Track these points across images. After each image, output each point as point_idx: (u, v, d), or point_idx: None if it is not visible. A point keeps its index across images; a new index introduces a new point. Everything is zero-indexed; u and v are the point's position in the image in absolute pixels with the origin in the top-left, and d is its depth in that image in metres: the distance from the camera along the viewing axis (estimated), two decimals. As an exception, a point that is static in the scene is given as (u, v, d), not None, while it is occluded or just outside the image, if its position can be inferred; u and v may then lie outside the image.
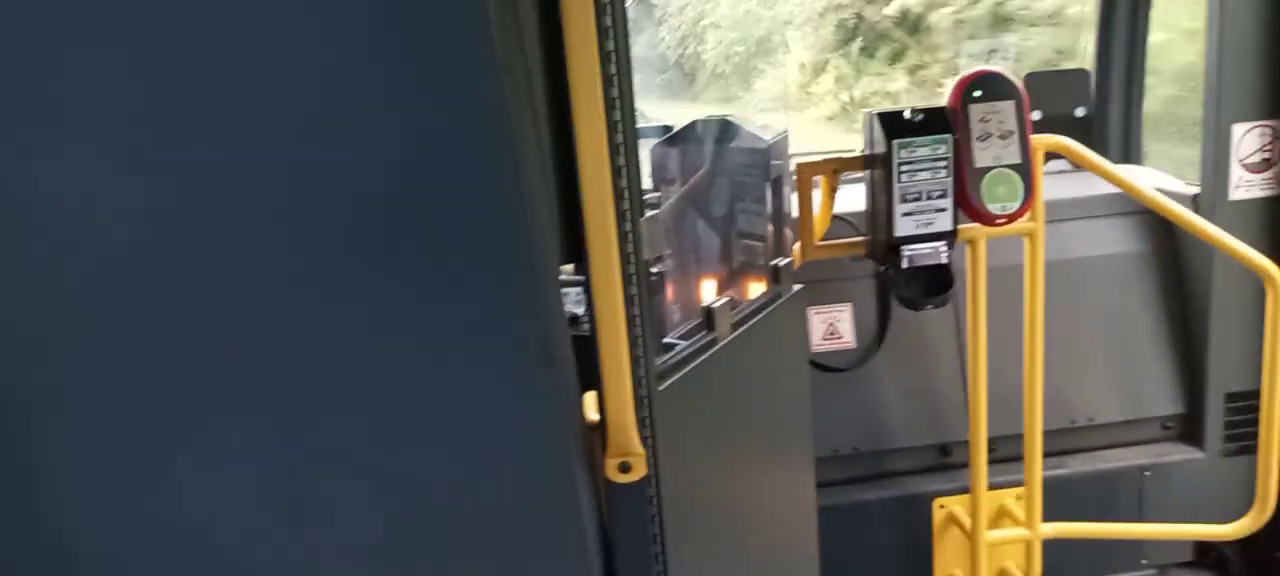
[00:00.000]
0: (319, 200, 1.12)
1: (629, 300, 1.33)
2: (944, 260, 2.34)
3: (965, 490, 2.72)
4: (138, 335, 1.15)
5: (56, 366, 1.16)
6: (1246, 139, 2.77)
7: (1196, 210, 2.78)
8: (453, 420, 1.24)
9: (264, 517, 1.25)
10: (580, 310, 1.40)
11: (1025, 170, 2.33)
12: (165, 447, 1.21)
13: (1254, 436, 2.63)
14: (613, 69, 1.26)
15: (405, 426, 1.24)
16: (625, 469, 1.41)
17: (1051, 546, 2.72)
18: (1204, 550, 3.11)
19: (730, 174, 2.11)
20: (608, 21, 1.24)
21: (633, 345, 1.36)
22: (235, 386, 1.19)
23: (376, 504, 1.27)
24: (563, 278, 1.40)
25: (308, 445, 1.23)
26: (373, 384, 1.21)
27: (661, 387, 1.47)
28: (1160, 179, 3.12)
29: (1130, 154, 3.41)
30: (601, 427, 1.39)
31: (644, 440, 1.41)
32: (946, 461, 3.01)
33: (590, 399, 1.41)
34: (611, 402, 1.37)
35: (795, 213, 2.42)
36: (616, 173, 1.27)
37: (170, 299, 1.15)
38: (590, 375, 1.37)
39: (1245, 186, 2.81)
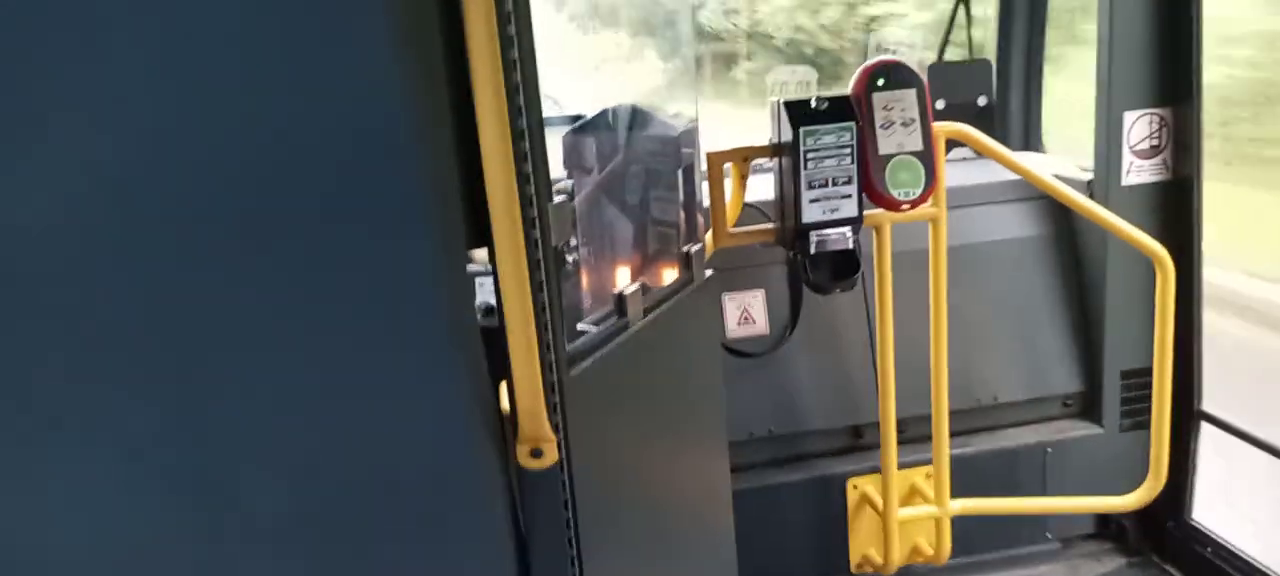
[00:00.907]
0: (220, 178, 1.11)
1: (536, 286, 1.33)
2: (850, 245, 2.39)
3: (877, 470, 2.78)
4: (35, 316, 1.12)
5: None
6: (1136, 126, 2.89)
7: (1091, 195, 2.89)
8: (359, 403, 1.23)
9: (166, 500, 1.22)
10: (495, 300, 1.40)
11: (927, 157, 2.40)
12: (61, 430, 1.17)
13: (1147, 411, 2.74)
14: (515, 53, 1.26)
15: (310, 408, 1.22)
16: (537, 454, 1.41)
17: (960, 522, 2.81)
18: (1104, 521, 3.23)
19: (642, 161, 2.13)
20: (507, 6, 1.24)
21: (541, 330, 1.36)
22: (138, 366, 1.16)
23: (282, 487, 1.25)
24: (477, 267, 1.40)
25: (212, 428, 1.20)
26: (276, 365, 1.19)
27: (572, 373, 1.47)
28: (1057, 165, 3.23)
29: (1030, 142, 3.52)
30: (512, 413, 1.39)
31: (555, 426, 1.41)
32: (859, 443, 3.08)
33: (505, 388, 1.41)
34: (521, 388, 1.36)
35: (707, 201, 2.44)
36: (520, 157, 1.27)
37: (71, 278, 1.11)
38: (506, 365, 1.37)
39: (1136, 171, 2.93)
